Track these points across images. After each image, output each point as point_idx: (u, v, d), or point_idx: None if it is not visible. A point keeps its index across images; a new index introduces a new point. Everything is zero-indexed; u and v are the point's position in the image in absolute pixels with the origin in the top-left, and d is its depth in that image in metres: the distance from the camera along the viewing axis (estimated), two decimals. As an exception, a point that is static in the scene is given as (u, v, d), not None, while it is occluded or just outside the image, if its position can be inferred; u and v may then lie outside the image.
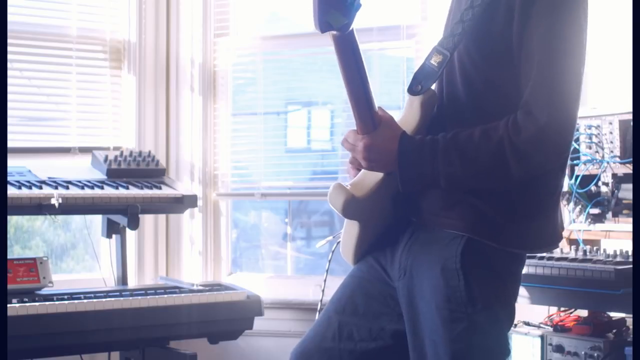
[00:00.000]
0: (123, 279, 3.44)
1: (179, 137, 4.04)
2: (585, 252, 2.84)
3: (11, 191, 3.03)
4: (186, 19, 4.04)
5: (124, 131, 3.95)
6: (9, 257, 3.15)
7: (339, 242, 2.16)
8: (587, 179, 3.04)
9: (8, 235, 3.71)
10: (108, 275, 3.57)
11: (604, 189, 3.01)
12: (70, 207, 3.13)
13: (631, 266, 2.60)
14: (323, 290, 3.02)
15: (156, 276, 3.89)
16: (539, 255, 2.75)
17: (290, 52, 4.27)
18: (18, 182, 3.13)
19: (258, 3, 4.19)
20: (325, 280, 3.02)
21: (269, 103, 4.07)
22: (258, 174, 4.04)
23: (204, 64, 4.02)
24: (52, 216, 3.22)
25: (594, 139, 3.03)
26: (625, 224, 2.94)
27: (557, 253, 2.85)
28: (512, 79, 1.85)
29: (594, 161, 3.02)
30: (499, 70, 1.87)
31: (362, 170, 1.97)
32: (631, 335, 2.74)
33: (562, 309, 3.04)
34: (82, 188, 3.21)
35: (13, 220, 3.87)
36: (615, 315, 2.88)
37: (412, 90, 1.94)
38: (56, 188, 3.14)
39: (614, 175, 2.99)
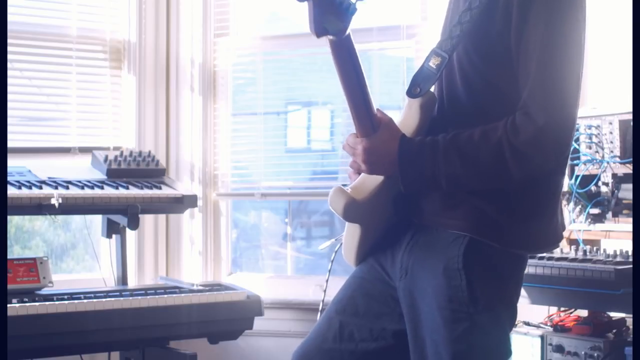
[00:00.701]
0: (123, 279, 3.44)
1: (179, 137, 4.04)
2: (585, 252, 2.84)
3: (11, 191, 3.03)
4: (186, 19, 4.04)
5: (124, 131, 3.95)
6: (9, 257, 3.15)
7: (341, 244, 2.16)
8: (587, 179, 3.04)
9: (8, 235, 3.71)
10: (108, 275, 3.57)
11: (604, 189, 3.01)
12: (70, 207, 3.13)
13: (631, 266, 2.60)
14: (325, 291, 3.02)
15: (156, 276, 3.89)
16: (539, 255, 2.75)
17: (290, 52, 4.27)
18: (18, 182, 3.13)
19: (258, 3, 4.19)
20: (327, 281, 3.02)
21: (269, 103, 4.07)
22: (258, 174, 4.04)
23: (204, 64, 4.02)
24: (52, 216, 3.22)
25: (594, 139, 3.03)
26: (625, 224, 2.94)
27: (557, 253, 2.85)
28: (511, 79, 1.86)
29: (594, 161, 3.02)
30: (497, 71, 1.88)
31: (362, 173, 1.98)
32: (631, 335, 2.74)
33: (562, 309, 3.04)
34: (82, 188, 3.21)
35: (13, 221, 3.87)
36: (615, 315, 2.88)
37: (410, 93, 1.94)
38: (56, 188, 3.14)
39: (614, 175, 2.99)
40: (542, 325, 2.97)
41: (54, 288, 3.13)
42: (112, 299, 3.01)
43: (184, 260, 4.03)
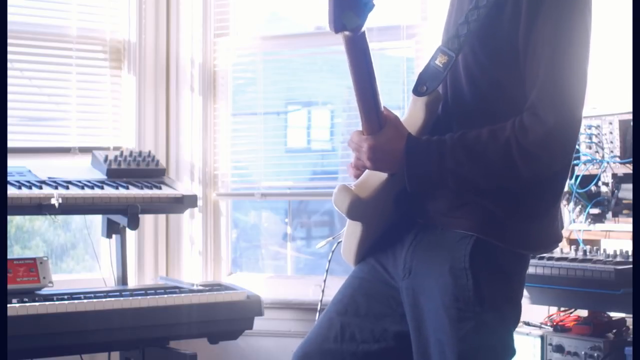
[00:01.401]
0: (123, 279, 3.44)
1: (179, 137, 4.04)
2: (585, 252, 2.84)
3: (11, 191, 3.03)
4: (186, 19, 4.04)
5: (124, 131, 3.95)
6: (9, 257, 3.15)
7: (339, 243, 2.16)
8: (587, 179, 3.04)
9: (8, 235, 3.71)
10: (108, 275, 3.57)
11: (604, 189, 3.01)
12: (70, 207, 3.13)
13: (631, 266, 2.60)
14: (323, 291, 3.02)
15: (156, 276, 3.89)
16: (539, 255, 2.75)
17: (290, 52, 4.27)
18: (18, 182, 3.13)
19: (258, 3, 4.19)
20: (325, 281, 3.02)
21: (269, 103, 4.07)
22: (258, 174, 4.04)
23: (204, 64, 4.02)
24: (52, 216, 3.22)
25: (594, 139, 3.03)
26: (625, 224, 2.94)
27: (557, 253, 2.85)
28: (518, 79, 1.85)
29: (594, 161, 3.02)
30: (504, 70, 1.87)
31: (366, 171, 1.97)
32: (631, 335, 2.74)
33: (562, 309, 3.04)
34: (82, 188, 3.21)
35: (13, 221, 3.87)
36: (615, 315, 2.89)
37: (417, 91, 1.94)
38: (56, 188, 3.14)
39: (614, 175, 2.99)
40: (542, 325, 2.97)
41: (54, 288, 3.13)
42: (112, 299, 3.01)
43: (184, 260, 4.03)
